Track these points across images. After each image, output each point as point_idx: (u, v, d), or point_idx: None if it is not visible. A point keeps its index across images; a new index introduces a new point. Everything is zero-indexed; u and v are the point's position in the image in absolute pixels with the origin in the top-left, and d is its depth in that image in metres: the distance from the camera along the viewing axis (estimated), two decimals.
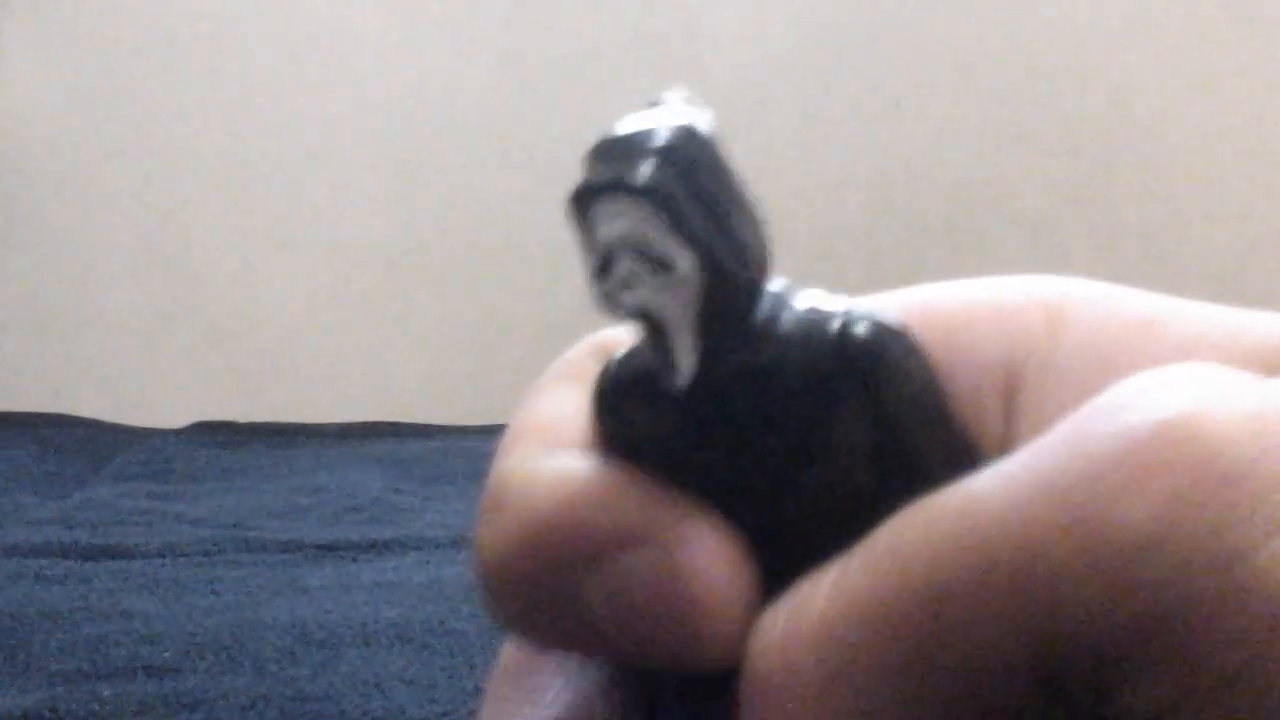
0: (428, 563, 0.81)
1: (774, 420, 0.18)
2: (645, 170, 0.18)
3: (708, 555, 0.18)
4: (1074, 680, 0.15)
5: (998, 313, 0.21)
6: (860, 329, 0.19)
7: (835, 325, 0.19)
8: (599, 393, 0.20)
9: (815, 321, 0.19)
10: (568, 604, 0.18)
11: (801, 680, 0.17)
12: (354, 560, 0.82)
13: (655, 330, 0.18)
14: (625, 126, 0.19)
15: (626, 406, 0.19)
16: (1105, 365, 0.20)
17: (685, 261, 0.18)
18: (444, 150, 1.46)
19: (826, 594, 0.17)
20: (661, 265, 0.18)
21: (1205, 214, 1.50)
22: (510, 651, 0.22)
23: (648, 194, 0.18)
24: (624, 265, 0.18)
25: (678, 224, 0.18)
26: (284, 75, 1.45)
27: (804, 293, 0.19)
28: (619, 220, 0.18)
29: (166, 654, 0.64)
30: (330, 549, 0.84)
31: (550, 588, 0.18)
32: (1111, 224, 1.50)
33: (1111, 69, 1.49)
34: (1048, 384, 0.20)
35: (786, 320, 0.19)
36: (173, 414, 1.30)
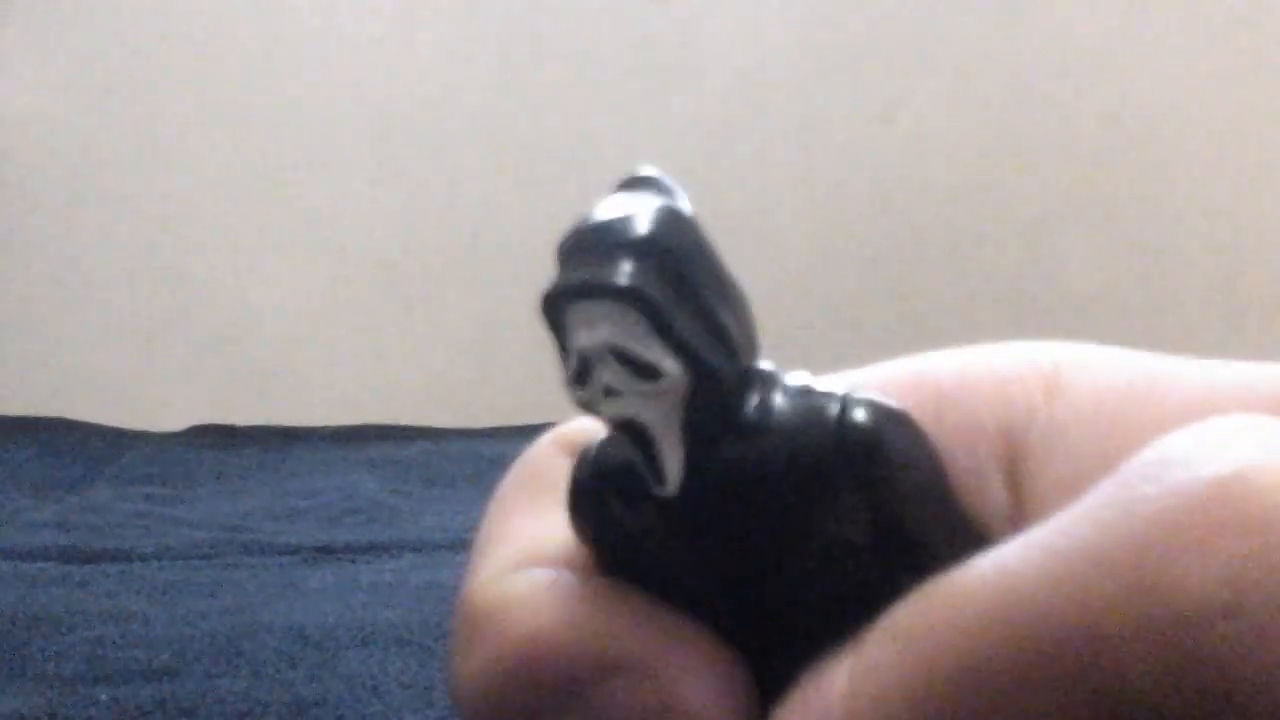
0: (426, 565, 0.81)
1: (769, 517, 0.17)
2: (625, 269, 0.17)
3: (702, 684, 0.17)
4: None
5: (994, 381, 0.20)
6: (859, 415, 0.17)
7: (832, 411, 0.17)
8: (574, 492, 0.19)
9: (810, 408, 0.18)
10: None
11: None
12: (352, 563, 0.82)
13: (639, 438, 0.17)
14: (600, 215, 0.18)
15: (605, 506, 0.18)
16: (1110, 428, 0.19)
17: (671, 366, 0.17)
18: (440, 153, 1.46)
19: (845, 688, 0.16)
20: (645, 372, 0.17)
21: (1201, 219, 1.50)
22: None
23: (628, 297, 0.16)
24: (604, 374, 0.17)
25: (661, 328, 0.17)
26: (283, 79, 1.45)
27: (793, 374, 0.18)
28: (597, 325, 0.17)
29: (164, 657, 0.64)
30: (328, 551, 0.84)
31: (530, 714, 0.17)
32: (1107, 229, 1.50)
33: (1107, 74, 1.49)
34: (1052, 450, 0.19)
35: (778, 407, 0.18)
36: (171, 417, 1.30)
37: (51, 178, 1.45)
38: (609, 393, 0.17)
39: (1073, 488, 0.17)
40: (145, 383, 1.45)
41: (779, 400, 0.18)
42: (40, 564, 0.80)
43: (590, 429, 0.20)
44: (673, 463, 0.17)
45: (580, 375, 0.17)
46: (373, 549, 0.84)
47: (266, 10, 1.45)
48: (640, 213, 0.17)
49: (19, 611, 0.70)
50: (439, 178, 1.46)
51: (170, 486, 1.03)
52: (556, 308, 0.17)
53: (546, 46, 1.45)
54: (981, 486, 0.19)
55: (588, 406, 0.17)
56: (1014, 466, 0.19)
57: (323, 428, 1.28)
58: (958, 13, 1.47)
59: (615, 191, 0.18)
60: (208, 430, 1.25)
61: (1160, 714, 0.14)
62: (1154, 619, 0.14)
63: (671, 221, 0.17)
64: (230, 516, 0.93)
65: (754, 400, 0.18)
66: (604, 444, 0.19)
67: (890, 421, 0.18)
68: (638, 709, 0.16)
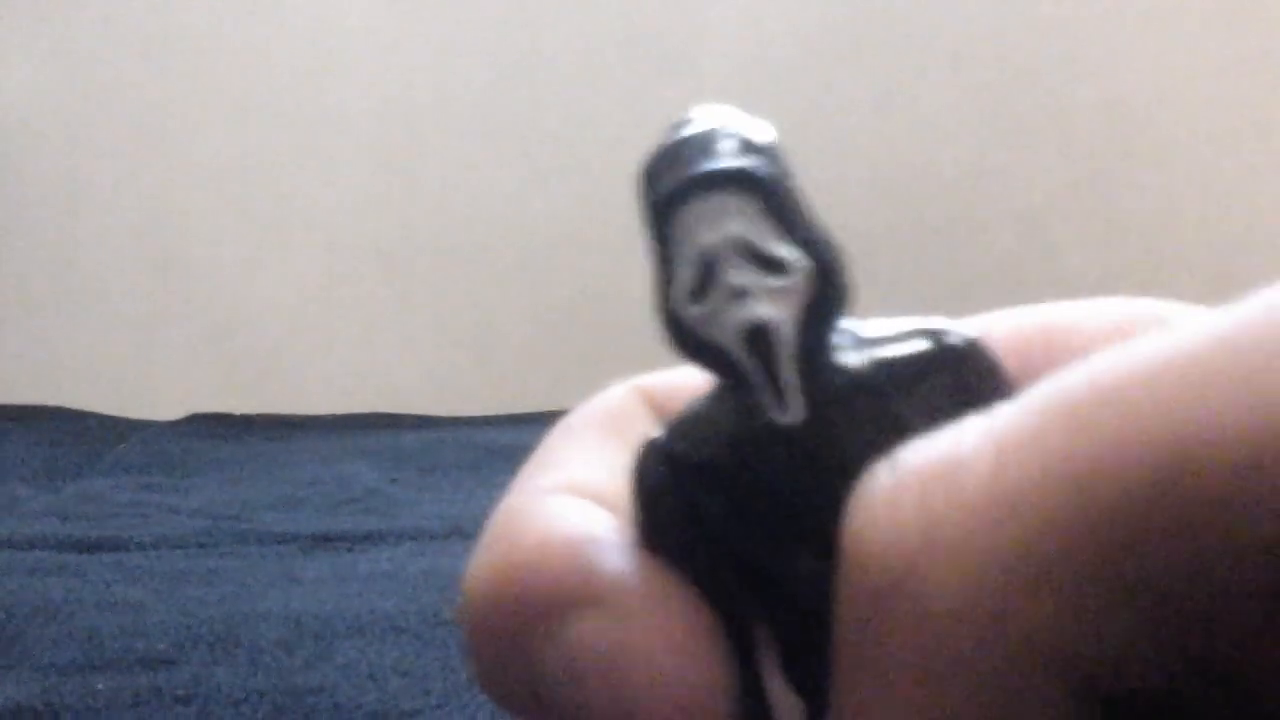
0: (423, 554, 0.81)
1: (879, 438, 0.16)
2: (741, 159, 0.16)
3: (667, 629, 0.16)
4: None
5: (1107, 322, 0.19)
6: (954, 334, 0.17)
7: (926, 335, 0.17)
8: (644, 469, 0.17)
9: (901, 333, 0.17)
10: (531, 664, 0.16)
11: (964, 567, 0.13)
12: (349, 551, 0.82)
13: (761, 349, 0.16)
14: (684, 131, 0.16)
15: (684, 491, 0.17)
16: None
17: (798, 260, 0.16)
18: (439, 143, 1.46)
19: (987, 461, 0.13)
20: (772, 267, 0.16)
21: (1200, 208, 1.50)
22: None
23: (755, 183, 0.16)
24: (734, 272, 0.16)
25: (786, 216, 0.16)
26: (279, 70, 1.45)
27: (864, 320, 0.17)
28: (722, 221, 0.16)
29: (161, 645, 0.64)
30: (325, 540, 0.84)
31: (516, 639, 0.16)
32: (1106, 218, 1.50)
33: (1106, 63, 1.49)
34: None
35: (870, 333, 0.17)
36: (168, 406, 1.30)
37: (50, 169, 1.45)
38: (736, 295, 0.16)
39: None
40: (143, 372, 1.45)
41: (868, 329, 0.17)
42: (38, 552, 0.80)
43: (670, 382, 0.19)
44: (794, 378, 0.16)
45: (700, 284, 0.16)
46: (370, 538, 0.85)
47: (265, 4, 1.45)
48: (729, 122, 0.16)
49: (17, 600, 0.70)
50: (437, 169, 1.46)
51: (168, 475, 1.03)
52: (670, 212, 0.16)
53: (545, 38, 1.45)
54: None
55: (703, 324, 0.16)
56: None
57: (320, 417, 1.28)
58: (955, 2, 1.47)
59: (672, 129, 0.17)
60: (205, 419, 1.25)
61: None
62: None
63: (759, 129, 0.17)
64: (228, 505, 0.93)
65: (847, 327, 0.17)
66: (671, 430, 0.17)
67: (983, 341, 0.17)
68: (601, 642, 0.16)
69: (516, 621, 0.16)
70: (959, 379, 0.16)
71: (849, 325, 0.17)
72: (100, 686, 0.59)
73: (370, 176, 1.46)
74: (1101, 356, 0.13)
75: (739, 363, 0.16)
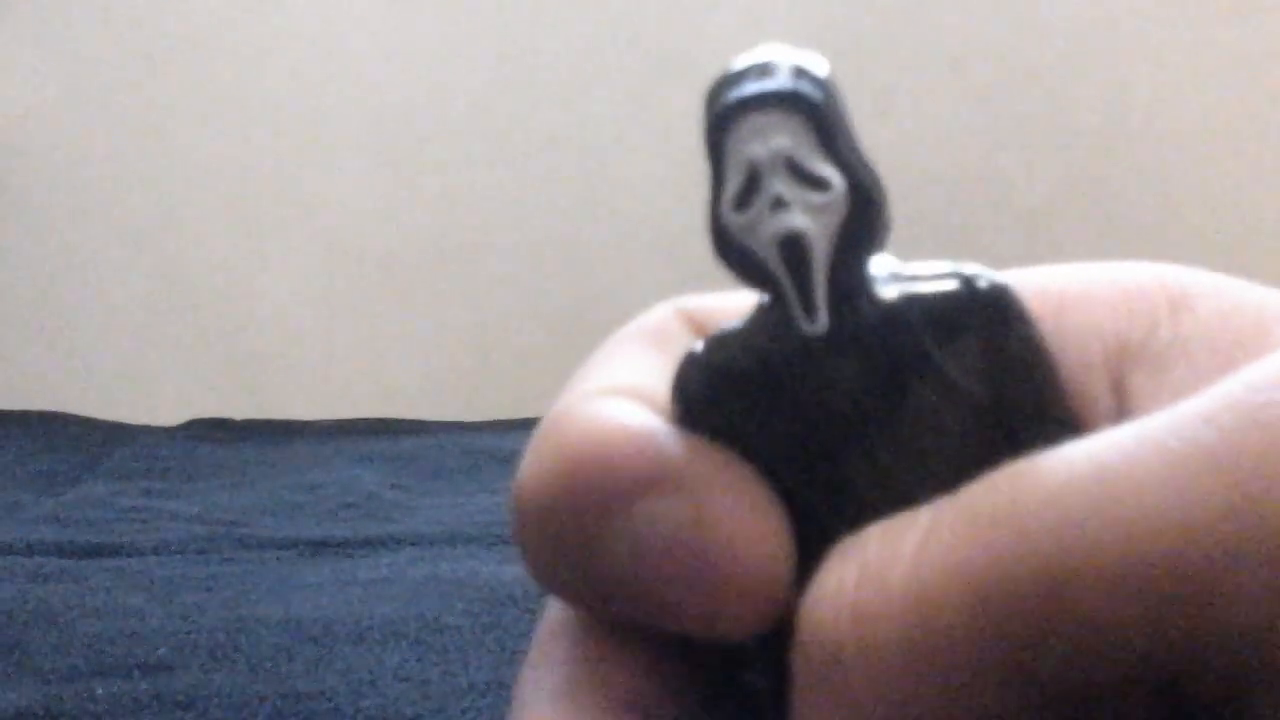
0: (423, 559, 0.81)
1: (899, 365, 0.17)
2: (795, 83, 0.17)
3: (737, 508, 0.16)
4: (1204, 684, 0.14)
5: (1119, 291, 0.20)
6: (984, 279, 0.18)
7: (957, 277, 0.18)
8: (684, 378, 0.18)
9: (934, 273, 0.18)
10: (590, 555, 0.17)
11: (879, 656, 0.15)
12: (349, 557, 0.82)
13: (796, 260, 0.17)
14: (747, 59, 0.18)
15: (722, 398, 0.18)
16: (1234, 348, 0.18)
17: (838, 180, 0.17)
18: (440, 147, 1.46)
19: (912, 555, 0.15)
20: (814, 183, 0.17)
21: (1201, 208, 1.50)
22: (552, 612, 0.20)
23: (804, 105, 0.17)
24: (776, 183, 0.17)
25: (830, 139, 0.17)
26: (279, 73, 1.45)
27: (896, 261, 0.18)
28: (770, 135, 0.17)
29: (161, 652, 0.64)
30: (325, 546, 0.84)
31: (576, 531, 0.17)
32: (1107, 218, 1.50)
33: (1106, 63, 1.49)
34: (1170, 363, 0.18)
35: (905, 269, 0.18)
36: (168, 411, 1.30)
37: (47, 173, 1.45)
38: (777, 205, 0.17)
39: (1190, 393, 0.16)
40: (142, 377, 1.45)
41: (904, 266, 0.18)
42: (38, 559, 0.80)
43: (710, 304, 0.20)
44: (822, 292, 0.17)
45: (745, 194, 0.17)
46: (370, 543, 0.84)
47: (265, 6, 1.45)
48: (789, 55, 0.18)
49: (17, 606, 0.70)
50: (437, 172, 1.46)
51: (167, 481, 1.03)
52: (727, 125, 0.17)
53: (545, 41, 1.45)
54: (1089, 390, 0.19)
55: (744, 232, 0.17)
56: (1125, 377, 0.19)
57: (320, 422, 1.28)
58: (954, 4, 1.47)
59: (726, 71, 0.18)
60: (205, 424, 1.25)
61: (1247, 643, 0.13)
62: (1265, 535, 0.13)
63: (818, 65, 0.18)
64: (227, 511, 0.93)
65: (883, 261, 0.18)
66: (709, 344, 0.18)
67: (1012, 289, 0.18)
68: (676, 528, 0.16)
69: (579, 509, 0.17)
70: (986, 324, 0.18)
71: (889, 262, 0.18)
72: (100, 692, 0.59)
73: (370, 182, 1.46)
74: (1010, 476, 0.15)
75: (773, 270, 0.17)
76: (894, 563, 0.15)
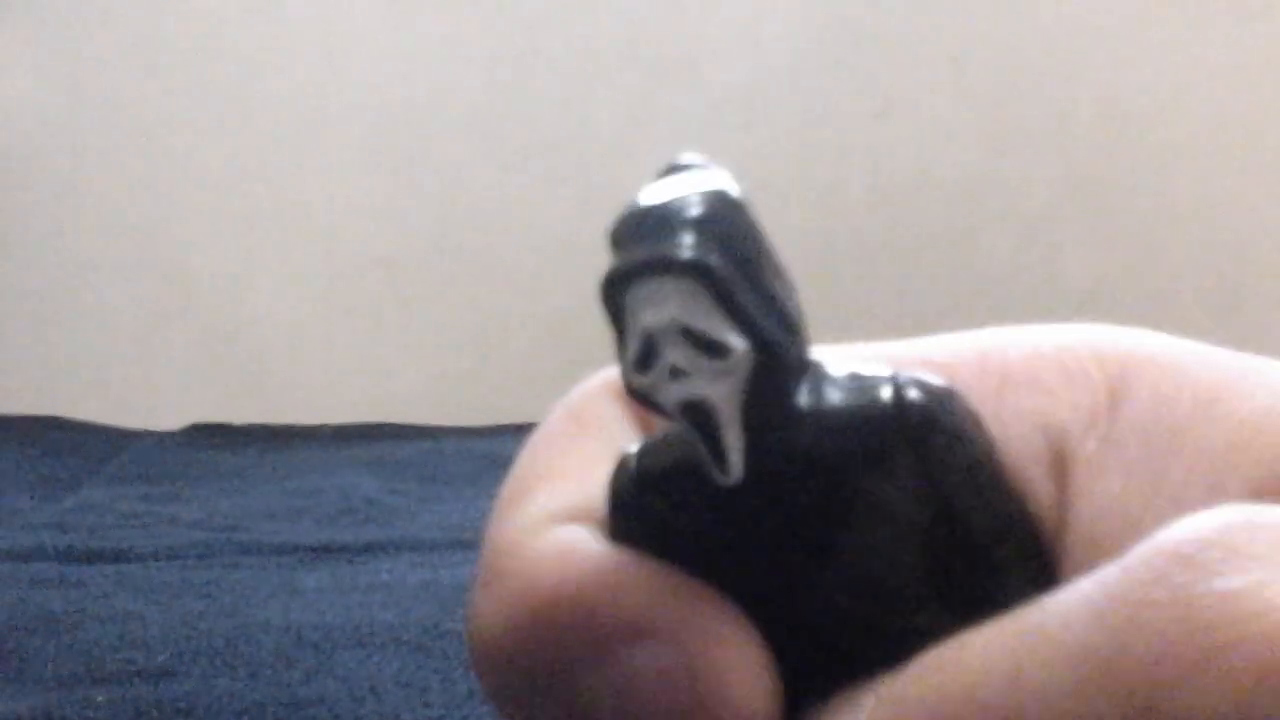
0: (423, 565, 0.80)
1: (830, 498, 0.17)
2: (687, 244, 0.16)
3: (731, 655, 0.16)
4: None
5: (1060, 375, 0.19)
6: (914, 395, 0.17)
7: (885, 392, 0.17)
8: (617, 490, 0.18)
9: (864, 389, 0.18)
10: (565, 697, 0.17)
11: None
12: (349, 562, 0.82)
13: (703, 422, 0.17)
14: (651, 198, 0.17)
15: (651, 505, 0.18)
16: (1167, 446, 0.18)
17: (737, 343, 0.16)
18: (439, 152, 1.46)
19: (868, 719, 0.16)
20: (712, 350, 0.16)
21: (1198, 213, 1.50)
22: None
23: (695, 271, 0.16)
24: (672, 353, 0.16)
25: (728, 304, 0.16)
26: (279, 77, 1.45)
27: (838, 359, 0.18)
28: (664, 303, 0.16)
29: (162, 657, 0.64)
30: (326, 551, 0.84)
31: (547, 676, 0.17)
32: (1105, 224, 1.50)
33: (1105, 69, 1.49)
34: (1106, 462, 0.19)
35: (831, 390, 0.18)
36: (168, 416, 1.30)
37: (47, 177, 1.45)
38: (675, 374, 0.17)
39: (1121, 504, 0.16)
40: (142, 382, 1.45)
41: (831, 385, 0.18)
42: (38, 564, 0.80)
43: None
44: (735, 446, 0.17)
45: (644, 359, 0.17)
46: (370, 549, 0.84)
47: (264, 8, 1.45)
48: (694, 193, 0.17)
49: (16, 612, 0.70)
50: (438, 176, 1.46)
51: (167, 486, 1.03)
52: (618, 290, 0.17)
53: (545, 44, 1.45)
54: (1030, 477, 0.19)
55: (649, 393, 0.17)
56: (1065, 468, 0.19)
57: (320, 427, 1.28)
58: (954, 6, 1.47)
59: (659, 178, 0.18)
60: (205, 430, 1.25)
61: None
62: None
63: (725, 201, 0.17)
64: (227, 516, 0.93)
65: (806, 386, 0.18)
66: (649, 445, 0.18)
67: (944, 398, 0.18)
68: (664, 678, 0.16)
69: (556, 658, 0.17)
70: (917, 444, 0.17)
71: (820, 360, 0.18)
72: (100, 698, 0.59)
73: (371, 185, 1.46)
74: (933, 669, 0.16)
75: (680, 423, 0.17)
76: None
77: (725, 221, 0.17)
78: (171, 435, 1.23)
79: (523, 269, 1.45)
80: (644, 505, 0.18)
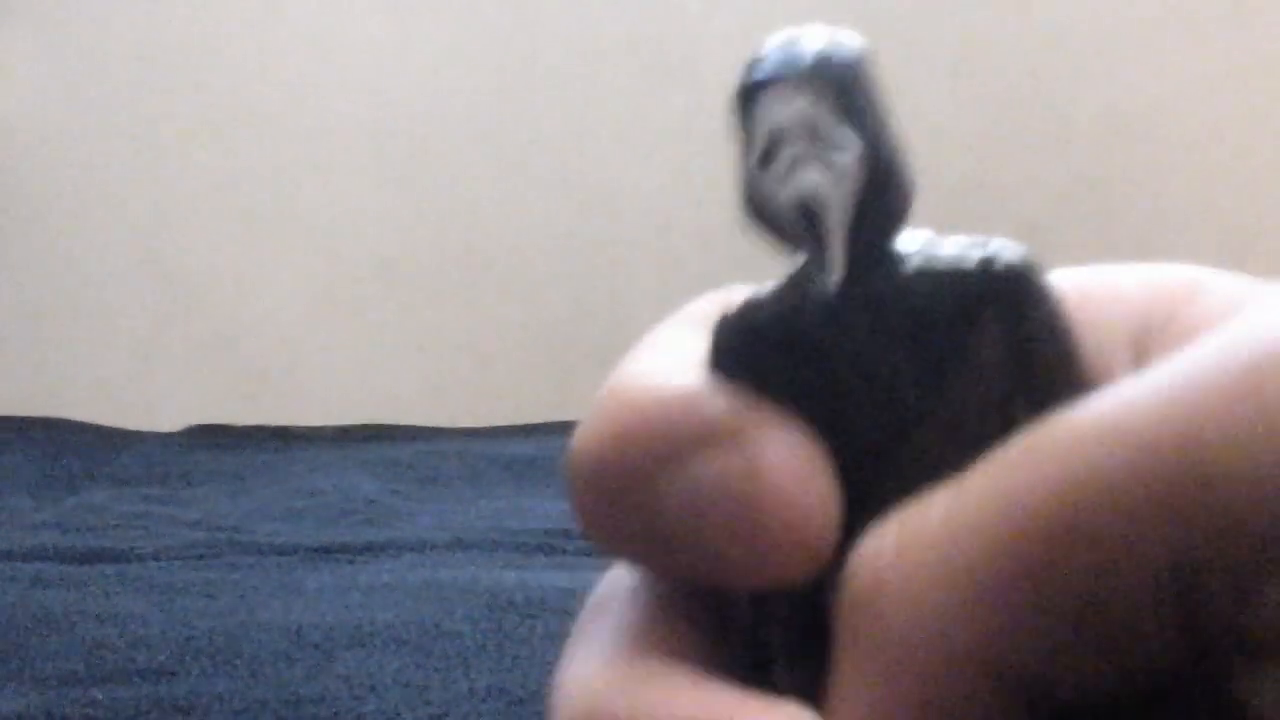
0: (423, 565, 0.81)
1: (921, 334, 0.18)
2: (812, 58, 0.18)
3: (788, 459, 0.17)
4: (1219, 580, 0.15)
5: (1139, 284, 0.21)
6: (1008, 253, 0.18)
7: (979, 249, 0.18)
8: (718, 337, 0.19)
9: (956, 244, 0.19)
10: (646, 508, 0.18)
11: (918, 586, 0.16)
12: (350, 563, 0.82)
13: (813, 221, 0.18)
14: (778, 37, 0.19)
15: (750, 356, 0.18)
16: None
17: (853, 146, 0.18)
18: (439, 154, 1.46)
19: (947, 500, 0.16)
20: (829, 148, 0.18)
21: (1199, 214, 1.50)
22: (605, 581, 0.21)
23: (818, 74, 0.18)
24: (791, 148, 0.18)
25: (846, 108, 0.18)
26: (280, 81, 1.45)
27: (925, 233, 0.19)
28: (788, 105, 0.18)
29: (162, 657, 0.64)
30: (326, 551, 0.84)
31: (630, 487, 0.18)
32: (1105, 224, 1.50)
33: (1105, 71, 1.49)
34: (1183, 345, 0.19)
35: (929, 245, 0.19)
36: (169, 418, 1.30)
37: (49, 179, 1.45)
38: (794, 165, 0.18)
39: None
40: (143, 383, 1.45)
41: (929, 241, 0.19)
42: (38, 564, 0.80)
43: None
44: (839, 254, 0.18)
45: (767, 157, 0.18)
46: (370, 549, 0.84)
47: (265, 13, 1.45)
48: (819, 36, 0.19)
49: (17, 612, 0.70)
50: (437, 179, 1.46)
51: (168, 487, 1.03)
52: (748, 100, 0.18)
53: (545, 49, 1.45)
54: (1112, 368, 0.20)
55: (769, 190, 0.18)
56: (1145, 357, 0.20)
57: (320, 428, 1.28)
58: (955, 9, 1.47)
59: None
60: (205, 431, 1.25)
61: (1251, 540, 0.14)
62: (1261, 431, 0.14)
63: (849, 45, 0.19)
64: (228, 517, 0.93)
65: (907, 237, 0.19)
66: (746, 303, 0.19)
67: (1035, 266, 0.19)
68: (726, 480, 0.17)
69: (633, 466, 0.18)
70: (1004, 304, 0.18)
71: (917, 236, 0.19)
72: (100, 698, 0.59)
73: (370, 188, 1.46)
74: (1032, 430, 0.16)
75: (792, 230, 0.18)
76: (933, 505, 0.16)
77: (846, 57, 0.18)
78: (172, 436, 1.23)
79: (522, 270, 1.45)
80: (742, 351, 0.18)
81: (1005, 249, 0.18)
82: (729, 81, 0.19)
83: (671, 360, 0.19)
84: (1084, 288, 0.21)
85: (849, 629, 0.17)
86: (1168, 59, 1.49)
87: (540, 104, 1.45)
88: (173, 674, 0.62)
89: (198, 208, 1.46)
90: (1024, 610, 0.15)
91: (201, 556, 0.83)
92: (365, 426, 1.28)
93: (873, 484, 0.18)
